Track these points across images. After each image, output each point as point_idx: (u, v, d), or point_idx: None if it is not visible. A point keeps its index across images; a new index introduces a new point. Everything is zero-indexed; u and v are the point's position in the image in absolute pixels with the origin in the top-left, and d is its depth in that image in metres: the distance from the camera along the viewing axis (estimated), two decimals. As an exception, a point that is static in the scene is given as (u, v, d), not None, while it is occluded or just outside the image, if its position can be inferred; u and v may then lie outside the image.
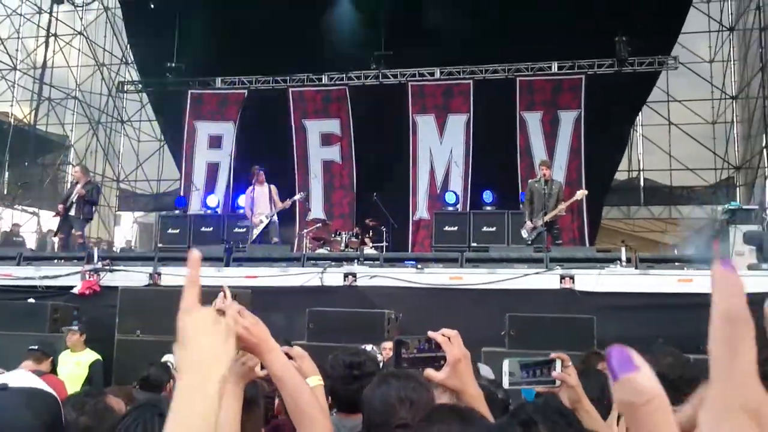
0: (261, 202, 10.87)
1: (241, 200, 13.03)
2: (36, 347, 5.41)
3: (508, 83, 14.80)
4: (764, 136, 15.07)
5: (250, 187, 11.00)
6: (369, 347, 3.04)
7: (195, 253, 1.13)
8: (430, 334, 1.71)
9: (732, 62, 17.42)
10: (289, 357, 1.97)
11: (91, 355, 6.67)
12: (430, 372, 1.67)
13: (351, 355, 2.74)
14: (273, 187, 11.06)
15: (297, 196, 11.53)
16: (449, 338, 1.70)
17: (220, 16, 14.95)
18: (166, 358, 4.64)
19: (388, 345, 5.73)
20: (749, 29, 16.14)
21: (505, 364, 1.87)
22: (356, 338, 6.07)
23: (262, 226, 10.81)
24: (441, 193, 14.24)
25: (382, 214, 12.22)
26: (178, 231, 12.40)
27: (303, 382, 1.83)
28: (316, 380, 2.10)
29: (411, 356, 1.72)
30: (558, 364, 1.89)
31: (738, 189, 16.48)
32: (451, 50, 14.61)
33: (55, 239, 10.72)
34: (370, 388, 2.07)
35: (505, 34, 13.97)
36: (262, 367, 1.78)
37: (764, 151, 15.10)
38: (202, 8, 14.92)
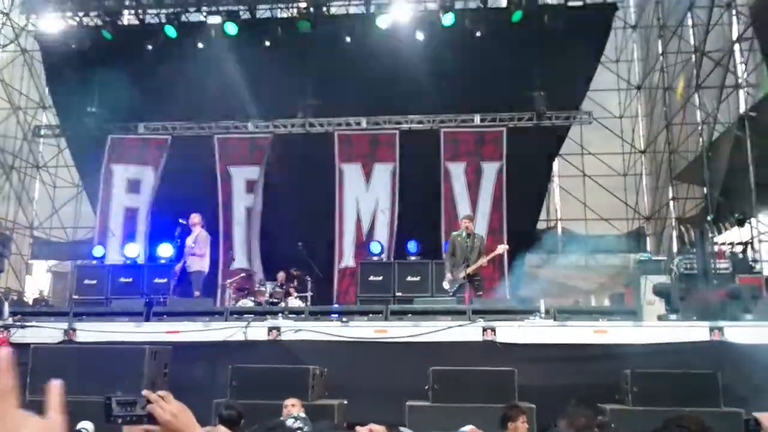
0: (189, 249, 10.65)
1: (162, 249, 12.75)
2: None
3: (432, 134, 15.21)
4: (670, 188, 15.97)
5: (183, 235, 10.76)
6: (290, 422, 3.03)
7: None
8: (358, 429, 1.77)
9: (640, 118, 18.47)
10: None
11: None
12: None
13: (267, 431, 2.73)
14: (202, 232, 10.81)
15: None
16: None
17: (144, 61, 14.83)
18: (82, 425, 4.45)
19: (290, 402, 5.69)
20: (655, 88, 17.22)
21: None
22: (280, 395, 6.01)
23: (178, 274, 10.59)
24: (366, 242, 14.34)
25: (307, 264, 12.19)
26: (95, 282, 11.95)
27: None
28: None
29: None
30: None
31: (648, 238, 17.32)
32: (378, 100, 14.96)
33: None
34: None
35: (429, 85, 14.40)
36: None
37: (671, 203, 15.99)
38: (126, 54, 14.76)
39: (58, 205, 19.35)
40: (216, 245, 12.91)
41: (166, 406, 1.66)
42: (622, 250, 16.75)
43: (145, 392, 1.70)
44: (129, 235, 15.12)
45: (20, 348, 7.47)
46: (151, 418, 1.67)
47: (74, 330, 7.89)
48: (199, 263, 10.58)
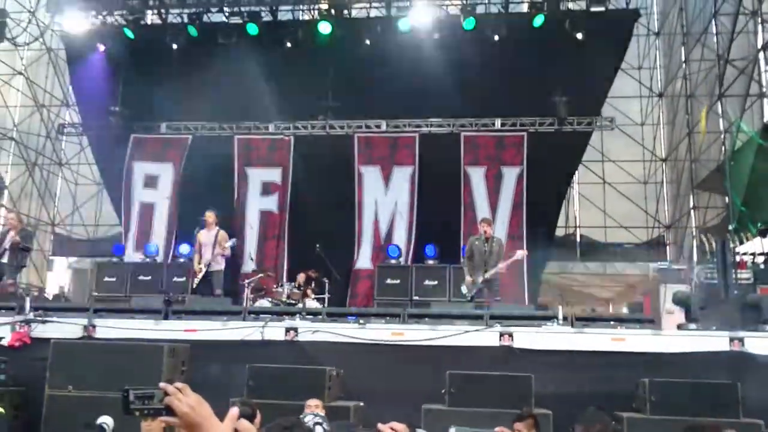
0: (206, 249, 10.69)
1: (181, 248, 12.84)
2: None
3: (452, 138, 15.18)
4: (691, 197, 15.81)
5: (200, 232, 10.81)
6: (308, 418, 3.04)
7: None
8: (380, 426, 1.77)
9: (661, 126, 18.32)
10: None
11: None
12: None
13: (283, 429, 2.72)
14: (222, 232, 10.84)
15: (230, 242, 11.08)
16: None
17: (166, 61, 14.95)
18: (102, 420, 4.47)
19: (313, 402, 5.71)
20: (677, 96, 17.06)
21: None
22: (297, 395, 6.03)
23: (201, 274, 10.63)
24: (384, 245, 14.35)
25: (325, 266, 12.22)
26: (115, 279, 12.11)
27: None
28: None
29: None
30: None
31: (668, 247, 17.16)
32: (398, 103, 14.97)
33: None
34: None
35: (450, 89, 14.38)
36: None
37: (692, 212, 15.82)
38: (148, 53, 14.90)
39: (79, 202, 19.57)
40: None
41: (184, 398, 1.67)
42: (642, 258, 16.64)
43: (162, 384, 1.71)
44: (147, 232, 15.21)
45: (40, 343, 7.59)
46: (169, 411, 1.68)
47: (94, 326, 7.96)
48: (219, 263, 10.62)
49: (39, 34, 17.49)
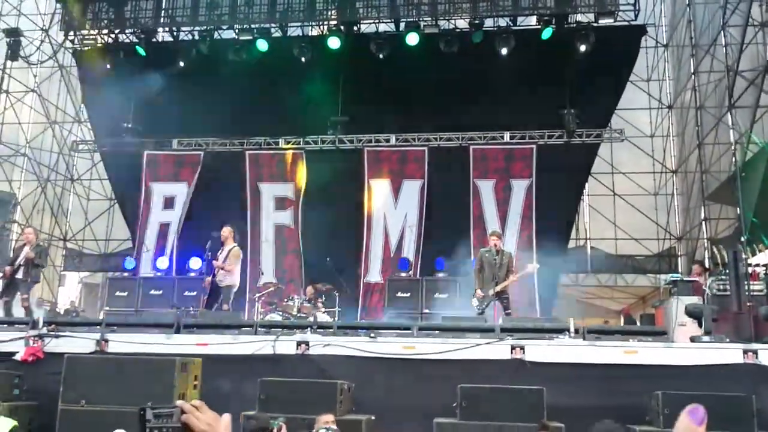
0: (218, 263, 10.69)
1: (192, 263, 12.89)
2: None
3: (461, 151, 15.21)
4: (702, 208, 15.74)
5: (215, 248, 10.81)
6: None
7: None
8: None
9: (671, 138, 18.28)
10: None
11: (6, 423, 6.45)
12: None
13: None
14: (234, 250, 10.83)
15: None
16: None
17: (177, 78, 15.09)
18: (116, 433, 4.51)
19: (324, 418, 5.71)
20: (686, 107, 17.05)
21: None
22: (308, 409, 6.04)
23: (209, 288, 10.63)
24: (394, 258, 14.37)
25: (335, 279, 12.24)
26: (126, 294, 12.17)
27: None
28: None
29: None
30: None
31: (679, 259, 17.07)
32: (407, 117, 15.03)
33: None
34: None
35: (458, 102, 14.45)
36: None
37: (703, 223, 15.75)
38: (159, 70, 15.05)
39: (91, 217, 19.71)
40: (244, 260, 12.94)
41: (201, 416, 1.68)
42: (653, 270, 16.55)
43: (179, 403, 1.73)
44: (161, 249, 15.33)
45: (54, 357, 7.63)
46: (187, 428, 1.70)
47: (106, 341, 8.00)
48: (230, 278, 10.61)
49: (52, 52, 17.72)
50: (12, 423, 6.39)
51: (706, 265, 13.46)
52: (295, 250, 15.24)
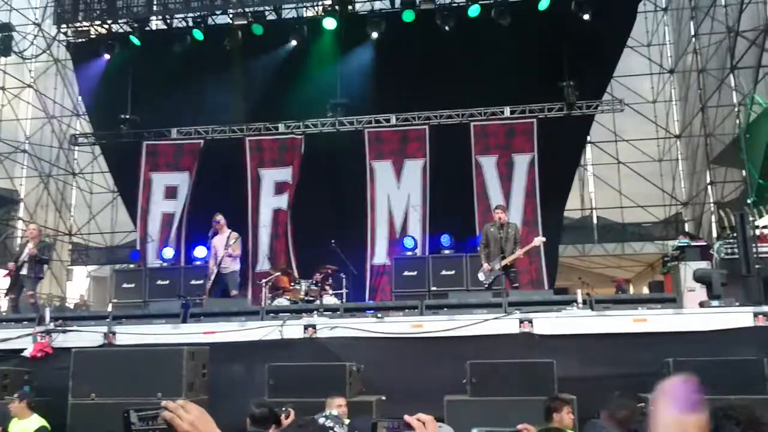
0: (219, 251, 10.70)
1: (197, 251, 12.89)
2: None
3: (462, 128, 15.07)
4: (708, 172, 15.62)
5: (213, 236, 10.84)
6: (321, 419, 3.00)
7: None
8: (407, 418, 1.76)
9: (674, 102, 18.09)
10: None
11: (37, 422, 6.47)
12: None
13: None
14: (233, 234, 10.81)
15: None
16: (424, 423, 1.74)
17: (173, 66, 14.97)
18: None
19: (335, 402, 5.68)
20: (688, 71, 16.85)
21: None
22: (318, 392, 6.01)
23: (213, 276, 10.63)
24: (400, 238, 14.30)
25: (341, 261, 12.18)
26: (133, 285, 12.16)
27: None
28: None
29: None
30: None
31: (686, 224, 16.97)
32: (406, 96, 14.89)
33: (5, 299, 10.39)
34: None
35: (457, 79, 14.28)
36: None
37: (709, 187, 15.63)
38: (155, 59, 14.93)
39: (95, 211, 19.72)
40: (244, 245, 12.91)
41: (185, 415, 1.66)
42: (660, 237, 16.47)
43: (164, 403, 1.70)
44: (166, 239, 15.30)
45: (62, 352, 7.64)
46: (171, 428, 1.66)
47: (114, 333, 8.00)
48: (234, 264, 10.65)
49: (46, 46, 17.60)
50: (42, 422, 6.42)
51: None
52: (285, 233, 15.15)
